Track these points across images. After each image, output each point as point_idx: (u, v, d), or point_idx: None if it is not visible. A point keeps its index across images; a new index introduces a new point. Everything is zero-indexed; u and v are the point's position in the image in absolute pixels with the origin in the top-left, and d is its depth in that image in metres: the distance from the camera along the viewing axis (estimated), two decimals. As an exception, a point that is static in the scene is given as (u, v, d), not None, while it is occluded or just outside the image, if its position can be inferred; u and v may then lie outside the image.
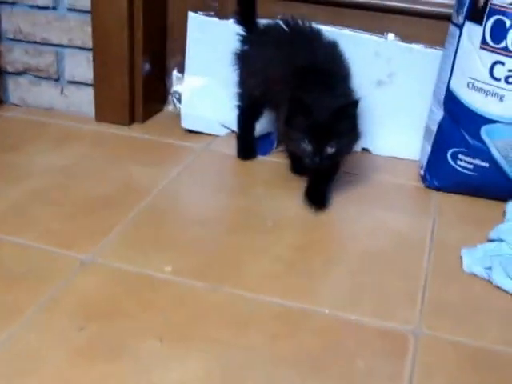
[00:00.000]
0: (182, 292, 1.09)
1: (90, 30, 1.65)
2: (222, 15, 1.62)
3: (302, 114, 1.27)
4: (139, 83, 1.68)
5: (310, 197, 1.37)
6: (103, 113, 1.70)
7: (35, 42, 1.71)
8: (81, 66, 1.70)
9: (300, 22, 1.46)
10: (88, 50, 1.67)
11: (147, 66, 1.69)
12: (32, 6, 1.68)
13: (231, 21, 1.59)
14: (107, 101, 1.69)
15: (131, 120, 1.70)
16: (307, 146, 1.28)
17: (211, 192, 1.44)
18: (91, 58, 1.67)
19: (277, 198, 1.40)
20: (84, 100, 1.72)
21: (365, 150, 1.62)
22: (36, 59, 1.73)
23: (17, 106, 1.78)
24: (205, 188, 1.44)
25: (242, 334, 1.00)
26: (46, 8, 1.67)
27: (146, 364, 0.93)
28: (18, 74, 1.76)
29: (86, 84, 1.71)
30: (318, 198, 1.37)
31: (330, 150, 1.28)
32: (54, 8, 1.67)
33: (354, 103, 1.28)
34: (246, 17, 1.51)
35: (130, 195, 1.38)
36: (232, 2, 1.55)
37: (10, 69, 1.76)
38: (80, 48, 1.68)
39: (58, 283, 1.10)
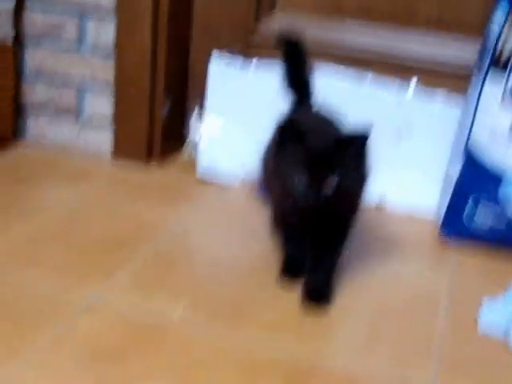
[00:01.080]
0: (189, 336, 1.07)
1: (112, 69, 1.65)
2: (245, 57, 1.62)
3: (296, 143, 1.07)
4: (159, 123, 1.68)
5: (308, 290, 1.17)
6: (121, 151, 1.70)
7: (57, 80, 1.72)
8: (101, 105, 1.70)
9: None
10: (107, 88, 1.68)
11: (167, 107, 1.69)
12: (56, 44, 1.69)
13: (254, 65, 1.59)
14: (126, 138, 1.69)
15: (148, 158, 1.69)
16: (301, 179, 1.06)
17: (223, 236, 1.42)
18: (112, 96, 1.68)
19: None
20: (102, 138, 1.72)
21: (381, 200, 1.58)
22: (57, 96, 1.73)
23: (35, 141, 1.78)
24: (217, 231, 1.43)
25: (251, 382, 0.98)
26: (69, 46, 1.68)
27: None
28: (38, 109, 1.76)
29: (106, 122, 1.71)
30: (318, 290, 1.18)
31: (330, 186, 1.05)
32: (78, 46, 1.68)
33: (362, 138, 1.08)
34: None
35: (141, 235, 1.37)
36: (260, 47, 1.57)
37: (30, 104, 1.76)
38: (101, 87, 1.69)
39: (64, 323, 1.08)
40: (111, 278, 1.21)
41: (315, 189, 1.05)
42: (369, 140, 1.08)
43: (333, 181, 1.05)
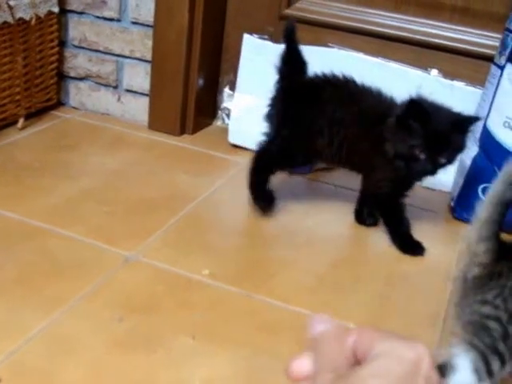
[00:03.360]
0: (216, 295, 1.17)
1: (150, 43, 1.75)
2: (275, 40, 1.71)
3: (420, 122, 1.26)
4: (192, 97, 1.77)
5: (406, 246, 1.39)
6: (156, 122, 1.80)
7: (98, 51, 1.82)
8: (139, 77, 1.80)
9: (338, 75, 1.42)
10: (147, 61, 1.77)
11: (201, 82, 1.78)
12: (98, 17, 1.78)
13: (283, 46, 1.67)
14: (161, 111, 1.79)
15: (182, 131, 1.79)
16: (421, 155, 1.27)
17: (252, 205, 1.50)
18: (149, 70, 1.77)
19: (313, 215, 1.47)
20: (139, 108, 1.82)
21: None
22: (97, 67, 1.83)
23: (76, 109, 1.89)
24: (246, 201, 1.50)
25: (270, 339, 1.07)
26: (111, 19, 1.78)
27: (177, 359, 1.01)
28: (80, 79, 1.87)
29: (142, 94, 1.81)
30: (412, 245, 1.39)
31: (443, 161, 1.29)
32: (119, 20, 1.77)
33: (474, 119, 1.31)
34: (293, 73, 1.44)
35: (175, 201, 1.46)
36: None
37: (72, 74, 1.87)
38: (139, 59, 1.78)
39: (102, 276, 1.18)
40: (147, 238, 1.31)
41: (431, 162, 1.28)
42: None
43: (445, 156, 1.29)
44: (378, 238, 1.42)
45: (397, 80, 1.63)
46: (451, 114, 1.29)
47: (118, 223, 1.36)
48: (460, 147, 1.30)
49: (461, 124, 1.28)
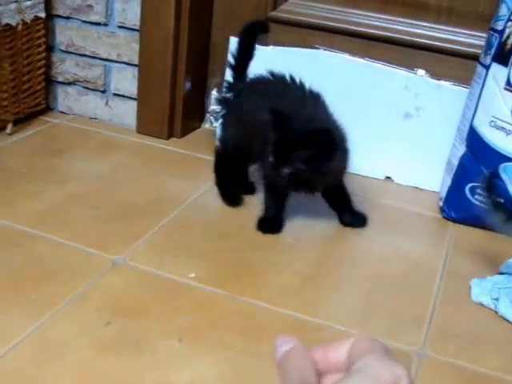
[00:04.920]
0: (202, 298, 1.17)
1: (137, 46, 1.75)
2: (262, 42, 1.71)
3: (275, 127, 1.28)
4: (180, 100, 1.78)
5: (351, 219, 1.45)
6: (144, 126, 1.80)
7: (85, 55, 1.82)
8: (126, 81, 1.80)
9: (287, 76, 1.44)
10: (134, 65, 1.77)
11: (188, 85, 1.78)
12: (85, 21, 1.79)
13: (271, 48, 1.68)
14: (148, 115, 1.79)
15: (170, 134, 1.80)
16: (270, 157, 1.28)
17: (238, 208, 1.51)
18: (136, 74, 1.77)
19: (300, 217, 1.47)
20: (127, 112, 1.82)
21: (388, 178, 1.68)
22: (85, 71, 1.84)
23: (64, 113, 1.89)
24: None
25: (255, 341, 1.08)
26: (97, 24, 1.78)
27: (163, 361, 1.01)
28: (68, 83, 1.87)
29: (130, 98, 1.81)
30: (357, 217, 1.46)
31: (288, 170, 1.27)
32: (106, 24, 1.77)
33: (324, 131, 1.27)
34: (238, 65, 1.52)
35: (162, 204, 1.46)
36: (278, 31, 1.65)
37: (60, 78, 1.87)
38: (127, 63, 1.78)
39: (89, 280, 1.19)
40: (134, 242, 1.31)
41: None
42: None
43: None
44: (363, 238, 1.43)
45: (383, 80, 1.63)
46: (309, 126, 1.27)
47: (106, 227, 1.36)
48: (309, 160, 1.26)
49: (309, 137, 1.26)
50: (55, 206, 1.42)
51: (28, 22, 1.71)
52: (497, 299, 1.22)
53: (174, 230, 1.38)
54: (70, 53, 1.83)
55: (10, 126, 1.72)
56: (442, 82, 1.62)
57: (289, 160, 1.26)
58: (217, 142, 1.57)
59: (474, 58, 1.54)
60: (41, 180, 1.53)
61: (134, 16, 1.73)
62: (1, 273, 1.19)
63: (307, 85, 1.42)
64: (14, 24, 1.66)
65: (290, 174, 1.27)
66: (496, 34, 1.44)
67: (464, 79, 1.58)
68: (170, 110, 1.78)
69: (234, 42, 1.72)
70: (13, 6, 1.65)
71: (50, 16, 1.80)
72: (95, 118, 1.86)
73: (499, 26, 1.43)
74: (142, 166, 1.65)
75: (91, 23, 1.78)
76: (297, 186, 1.35)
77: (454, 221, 1.52)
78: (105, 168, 1.61)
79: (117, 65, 1.80)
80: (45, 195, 1.46)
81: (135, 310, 1.12)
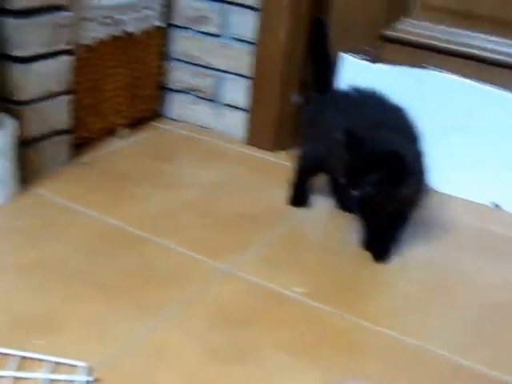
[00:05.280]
0: (308, 313, 1.18)
1: (250, 59, 1.78)
2: (375, 60, 1.71)
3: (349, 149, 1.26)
4: (289, 114, 1.79)
5: (372, 245, 1.39)
6: (252, 137, 1.82)
7: (199, 65, 1.86)
8: (237, 92, 1.83)
9: (370, 90, 1.44)
10: (246, 77, 1.80)
11: (298, 98, 1.79)
12: (201, 32, 1.83)
13: (379, 65, 1.68)
14: (257, 126, 1.81)
15: (277, 147, 1.81)
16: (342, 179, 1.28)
17: (349, 224, 1.48)
18: (247, 86, 1.80)
19: (408, 240, 1.43)
20: (235, 123, 1.85)
21: (496, 205, 1.65)
22: (197, 80, 1.88)
23: (174, 120, 1.94)
24: (344, 220, 1.50)
25: (359, 360, 1.08)
26: (212, 35, 1.82)
27: (270, 372, 1.03)
28: (180, 91, 1.92)
29: (240, 109, 1.84)
30: (381, 249, 1.38)
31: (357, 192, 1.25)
32: (220, 36, 1.81)
33: (395, 155, 1.23)
34: (317, 74, 1.53)
35: (270, 216, 1.49)
36: (389, 49, 1.65)
37: (172, 86, 1.92)
38: (239, 75, 1.82)
39: (198, 287, 1.22)
40: (242, 252, 1.34)
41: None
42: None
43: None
44: (471, 265, 1.40)
45: (493, 104, 1.61)
46: (382, 149, 1.24)
47: (214, 235, 1.39)
48: (379, 184, 1.24)
49: (380, 160, 1.23)
50: (164, 211, 1.46)
51: (147, 30, 1.76)
52: None
53: (281, 242, 1.40)
54: (184, 62, 1.88)
55: (123, 131, 1.78)
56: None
57: (359, 183, 1.24)
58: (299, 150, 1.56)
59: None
60: (149, 184, 1.57)
61: (248, 29, 1.76)
62: (113, 272, 1.23)
63: (395, 102, 1.40)
64: (133, 32, 1.72)
65: (360, 198, 1.26)
66: None
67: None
68: (279, 123, 1.79)
69: (346, 60, 1.73)
70: (134, 15, 1.70)
71: (168, 25, 1.85)
72: (204, 127, 1.90)
73: None
74: (249, 176, 1.67)
75: (206, 34, 1.82)
76: (365, 208, 1.34)
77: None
78: (212, 176, 1.65)
79: (229, 76, 1.83)
80: (153, 199, 1.51)
81: (244, 319, 1.14)
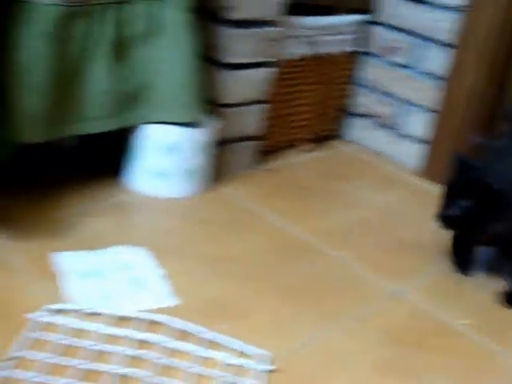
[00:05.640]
0: (472, 346, 1.22)
1: (435, 94, 1.83)
2: None
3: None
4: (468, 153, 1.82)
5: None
6: (427, 169, 1.87)
7: (384, 93, 1.93)
8: (417, 123, 1.88)
9: None
10: (429, 110, 1.85)
11: (478, 140, 1.82)
12: (390, 62, 1.90)
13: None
14: (434, 161, 1.86)
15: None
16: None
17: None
18: (428, 119, 1.85)
19: None
20: (411, 153, 1.91)
21: None
22: (380, 108, 1.95)
23: (352, 142, 2.02)
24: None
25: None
26: (402, 66, 1.88)
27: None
28: (362, 116, 1.99)
29: (418, 140, 1.89)
30: None
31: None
32: (410, 67, 1.87)
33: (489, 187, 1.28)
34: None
35: (442, 247, 1.51)
36: None
37: (356, 110, 2.00)
38: (422, 107, 1.87)
39: (369, 303, 1.29)
40: (412, 276, 1.40)
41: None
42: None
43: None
44: None
45: None
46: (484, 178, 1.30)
47: (385, 256, 1.46)
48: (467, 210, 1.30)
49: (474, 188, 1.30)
50: (340, 228, 1.55)
51: (342, 53, 1.86)
52: None
53: (450, 273, 1.44)
54: (371, 88, 1.96)
55: (306, 145, 1.88)
56: None
57: (451, 204, 1.32)
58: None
59: None
60: (326, 200, 1.66)
61: (438, 64, 1.81)
62: (297, 278, 1.33)
63: None
64: (330, 53, 1.82)
65: (447, 217, 1.32)
66: None
67: None
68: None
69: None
70: (333, 37, 1.81)
71: (361, 52, 1.94)
72: (380, 152, 1.97)
73: None
74: (421, 206, 1.71)
75: (396, 64, 1.89)
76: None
77: None
78: (386, 201, 1.72)
79: (412, 107, 1.89)
80: (330, 215, 1.59)
81: (412, 341, 1.20)
